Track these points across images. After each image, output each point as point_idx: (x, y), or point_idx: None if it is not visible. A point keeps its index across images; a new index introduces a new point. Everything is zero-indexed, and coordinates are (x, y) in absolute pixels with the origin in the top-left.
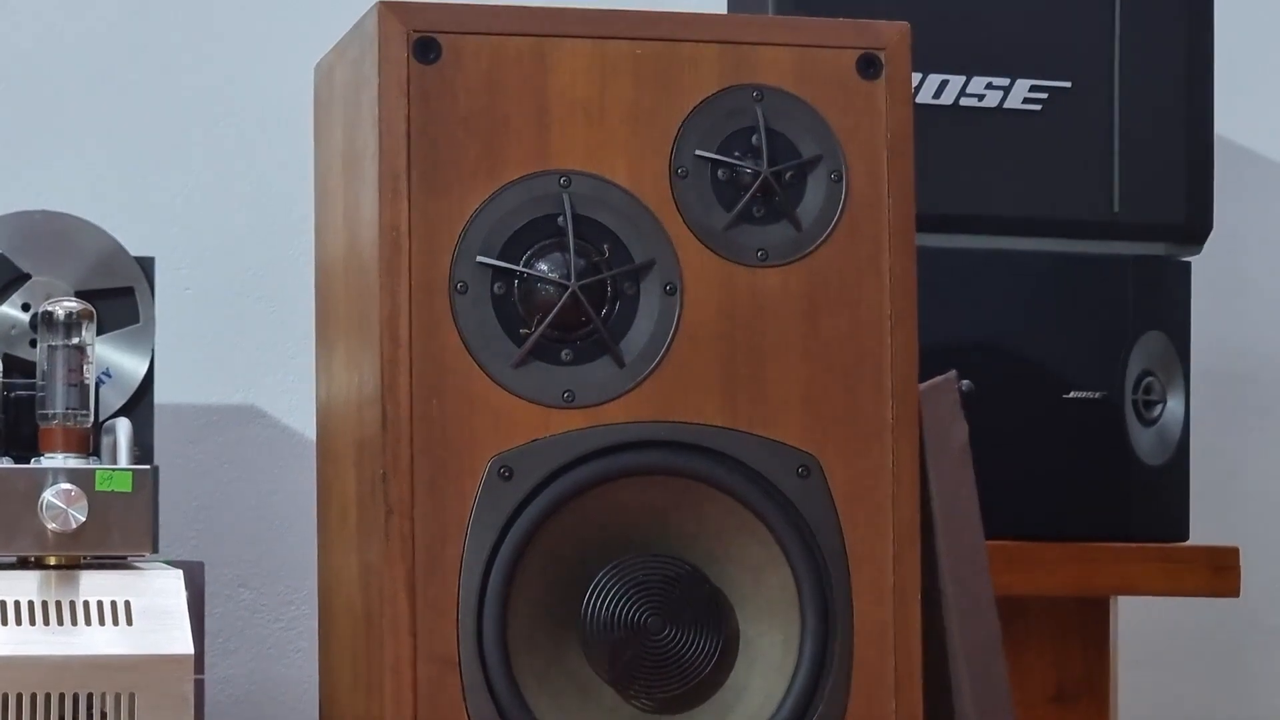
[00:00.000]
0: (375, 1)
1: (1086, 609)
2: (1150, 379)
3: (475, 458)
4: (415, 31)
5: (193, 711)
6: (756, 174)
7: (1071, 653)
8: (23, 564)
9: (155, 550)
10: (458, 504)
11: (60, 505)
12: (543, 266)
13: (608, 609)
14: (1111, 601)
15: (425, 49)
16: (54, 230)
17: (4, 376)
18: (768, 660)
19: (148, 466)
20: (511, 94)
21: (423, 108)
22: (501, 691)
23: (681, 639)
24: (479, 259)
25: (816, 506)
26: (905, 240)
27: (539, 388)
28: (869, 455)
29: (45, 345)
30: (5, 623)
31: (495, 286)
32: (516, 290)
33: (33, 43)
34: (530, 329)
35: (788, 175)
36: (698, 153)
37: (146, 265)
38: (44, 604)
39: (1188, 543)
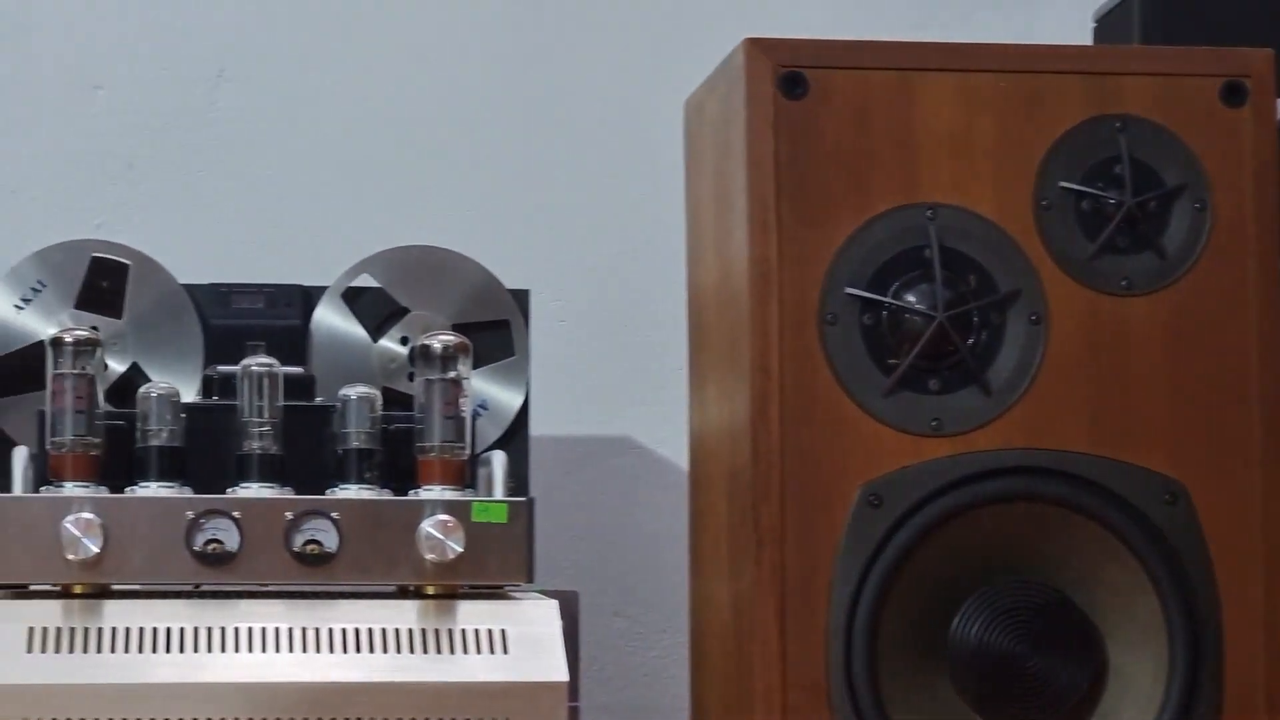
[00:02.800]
0: (743, 38)
1: None
2: None
3: (844, 486)
4: (782, 67)
5: None
6: (1120, 204)
7: None
8: (402, 593)
9: (530, 580)
10: (827, 532)
11: (438, 536)
12: (910, 297)
13: (975, 635)
14: None
15: (792, 84)
16: (431, 264)
17: (383, 409)
18: (1138, 688)
19: (523, 498)
20: (878, 127)
21: (790, 142)
22: (870, 717)
23: (1050, 666)
24: (848, 290)
25: (1185, 534)
26: (1271, 267)
27: (907, 416)
28: (1237, 483)
29: (422, 379)
30: (386, 650)
31: (864, 317)
32: (884, 321)
33: (411, 85)
34: (897, 359)
35: (1151, 205)
36: (1062, 184)
37: (521, 298)
38: (423, 632)
39: None
